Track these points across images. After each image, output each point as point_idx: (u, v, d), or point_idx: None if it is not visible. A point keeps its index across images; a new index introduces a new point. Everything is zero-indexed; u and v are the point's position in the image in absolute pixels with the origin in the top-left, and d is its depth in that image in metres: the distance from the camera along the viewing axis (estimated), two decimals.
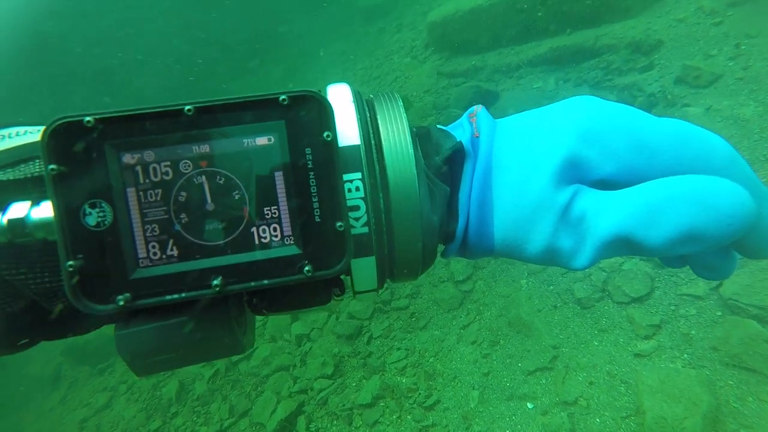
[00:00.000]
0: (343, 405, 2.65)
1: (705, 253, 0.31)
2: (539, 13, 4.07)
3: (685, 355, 1.95)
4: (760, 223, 0.28)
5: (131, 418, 3.43)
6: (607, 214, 0.29)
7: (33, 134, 0.31)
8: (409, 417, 2.43)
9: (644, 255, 0.30)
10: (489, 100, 3.89)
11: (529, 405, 2.15)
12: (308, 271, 0.28)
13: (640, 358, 2.03)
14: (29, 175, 0.29)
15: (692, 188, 0.27)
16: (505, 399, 2.25)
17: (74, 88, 8.67)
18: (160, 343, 0.29)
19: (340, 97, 0.32)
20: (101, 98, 8.27)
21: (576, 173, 0.30)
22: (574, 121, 0.31)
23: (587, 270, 2.37)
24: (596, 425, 1.94)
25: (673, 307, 2.10)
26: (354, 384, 2.82)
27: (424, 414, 2.40)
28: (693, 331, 2.00)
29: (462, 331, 2.69)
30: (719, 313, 1.98)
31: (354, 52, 7.17)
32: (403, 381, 2.65)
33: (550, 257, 0.32)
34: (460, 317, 2.77)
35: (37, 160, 0.30)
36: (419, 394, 2.52)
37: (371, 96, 0.35)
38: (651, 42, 3.36)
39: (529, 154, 0.32)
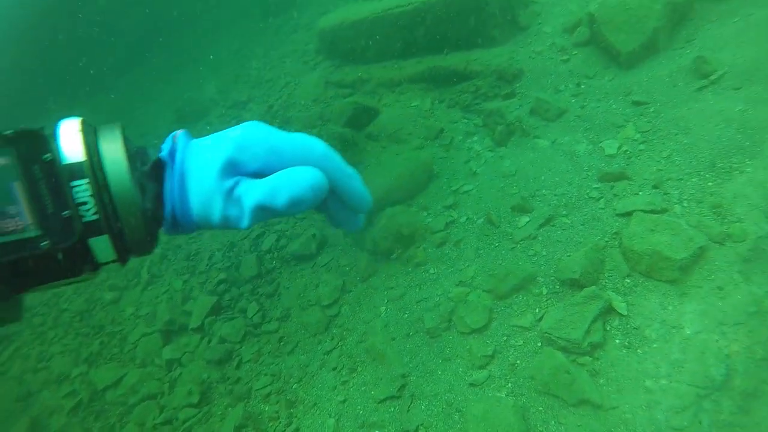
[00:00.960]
0: None
1: (338, 217, 0.53)
2: (420, 31, 4.19)
3: (509, 384, 2.16)
4: (344, 190, 0.50)
5: None
6: (252, 193, 0.46)
7: None
8: None
9: (279, 216, 0.47)
10: (369, 116, 3.97)
11: None
12: (45, 244, 0.40)
13: (473, 388, 2.22)
14: None
15: (292, 173, 0.46)
16: (357, 427, 2.36)
17: None
18: None
19: (70, 128, 0.44)
20: None
21: (236, 169, 0.48)
22: (233, 138, 0.49)
23: (436, 300, 2.53)
24: None
25: (504, 338, 2.31)
26: (219, 413, 2.81)
27: None
28: (518, 361, 2.21)
29: (325, 356, 2.77)
30: (539, 344, 2.21)
31: (249, 49, 6.94)
32: (266, 409, 2.69)
33: (226, 223, 0.48)
34: (325, 342, 2.85)
35: None
36: (280, 422, 2.58)
37: (97, 127, 0.47)
38: (513, 71, 3.60)
39: (206, 159, 0.48)
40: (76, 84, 8.62)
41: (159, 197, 0.48)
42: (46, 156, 0.41)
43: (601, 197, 2.52)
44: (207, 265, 3.81)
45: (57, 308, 4.32)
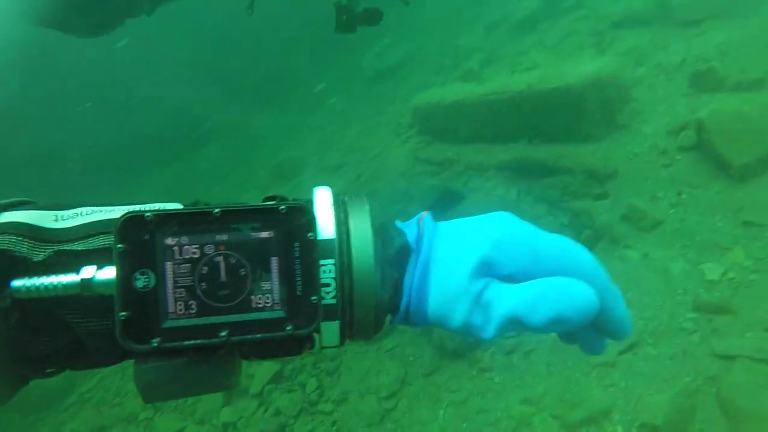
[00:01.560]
0: None
1: (582, 337, 0.44)
2: (513, 119, 4.18)
3: None
4: (607, 313, 0.42)
5: None
6: (505, 301, 0.40)
7: (98, 213, 0.43)
8: None
9: (533, 332, 0.41)
10: (453, 200, 3.96)
11: None
12: (289, 329, 0.39)
13: None
14: (96, 247, 0.40)
15: (560, 286, 0.40)
16: None
17: None
18: (171, 376, 0.39)
19: (323, 200, 0.43)
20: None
21: (488, 270, 0.42)
22: (491, 233, 0.43)
23: (498, 415, 2.36)
24: None
25: None
26: None
27: None
28: None
29: None
30: None
31: (352, 112, 7.36)
32: None
33: (467, 329, 0.43)
34: None
35: (101, 236, 0.41)
36: None
37: (346, 199, 0.45)
38: (607, 171, 3.43)
39: (457, 253, 0.43)
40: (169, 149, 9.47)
41: (397, 286, 0.44)
42: (309, 235, 0.40)
43: (697, 330, 2.25)
44: None
45: None
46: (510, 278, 0.42)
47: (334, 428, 2.94)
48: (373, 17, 3.00)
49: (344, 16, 2.93)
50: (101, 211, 0.43)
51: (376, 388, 2.98)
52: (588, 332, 0.44)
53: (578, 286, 0.40)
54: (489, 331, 0.42)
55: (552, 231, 0.43)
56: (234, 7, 3.93)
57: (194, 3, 8.93)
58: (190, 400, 3.62)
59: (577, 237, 3.13)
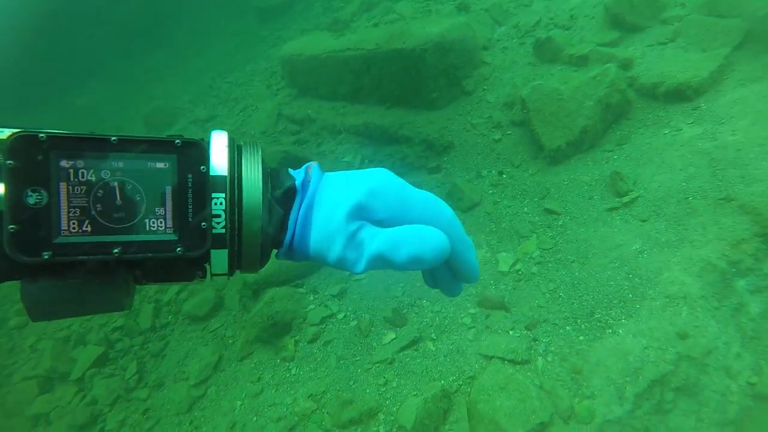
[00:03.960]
0: None
1: (441, 281, 0.51)
2: (365, 79, 3.94)
3: None
4: (460, 259, 0.49)
5: None
6: (375, 240, 0.46)
7: None
8: None
9: (397, 269, 0.46)
10: (297, 165, 3.76)
11: None
12: (179, 250, 0.42)
13: None
14: None
15: (419, 231, 0.46)
16: None
17: None
18: (58, 295, 0.40)
19: (219, 142, 0.45)
20: None
21: (363, 214, 0.47)
22: (367, 182, 0.48)
23: (284, 410, 2.33)
24: None
25: None
26: None
27: None
28: None
29: None
30: None
31: (233, 57, 6.77)
32: None
33: (342, 263, 0.47)
34: (184, 425, 2.68)
35: None
36: None
37: (242, 143, 0.48)
38: (444, 142, 3.32)
39: (337, 197, 0.48)
40: (44, 86, 8.61)
41: (282, 223, 0.48)
42: (202, 168, 0.43)
43: (473, 327, 2.27)
44: None
45: None
46: (381, 223, 0.47)
47: (144, 417, 2.84)
48: None
49: None
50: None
51: (189, 374, 2.88)
52: (446, 277, 0.51)
53: (434, 232, 0.46)
54: (360, 266, 0.47)
55: None
56: None
57: None
58: (6, 387, 3.40)
59: None
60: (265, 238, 0.47)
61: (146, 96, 7.26)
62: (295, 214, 0.48)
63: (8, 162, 0.38)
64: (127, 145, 0.41)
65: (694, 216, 2.17)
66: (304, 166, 0.53)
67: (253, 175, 0.46)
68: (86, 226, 0.40)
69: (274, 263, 3.01)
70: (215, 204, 0.44)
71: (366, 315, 2.57)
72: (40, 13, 8.74)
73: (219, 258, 0.45)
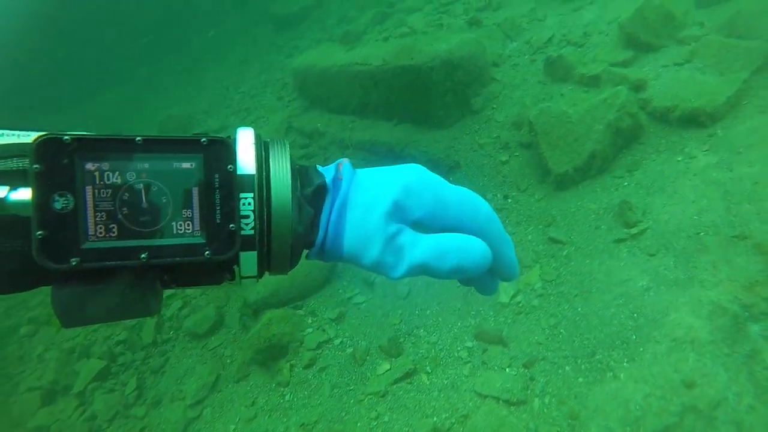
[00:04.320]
0: None
1: (477, 279, 0.49)
2: (373, 94, 3.89)
3: None
4: (499, 257, 0.47)
5: None
6: (417, 249, 0.44)
7: (12, 137, 0.42)
8: None
9: (437, 277, 0.45)
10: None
11: None
12: (207, 254, 0.40)
13: None
14: (10, 169, 0.39)
15: (464, 241, 0.45)
16: None
17: None
18: (88, 301, 0.39)
19: (246, 139, 0.44)
20: None
21: (400, 213, 0.45)
22: (402, 179, 0.46)
23: None
24: None
25: None
26: None
27: None
28: None
29: None
30: None
31: (250, 65, 6.81)
32: None
33: (378, 267, 0.45)
34: None
35: (16, 158, 0.40)
36: None
37: (268, 140, 0.46)
38: (450, 162, 3.25)
39: (372, 195, 0.46)
40: (62, 90, 8.79)
41: (314, 222, 0.46)
42: (229, 167, 0.41)
43: (469, 361, 2.19)
44: None
45: None
46: (418, 222, 0.46)
47: None
48: None
49: None
50: (16, 135, 0.42)
51: (186, 394, 2.87)
52: (482, 275, 0.48)
53: (476, 243, 0.45)
54: (399, 272, 0.45)
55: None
56: None
57: None
58: (12, 398, 3.44)
59: None
60: (296, 238, 0.45)
61: (164, 101, 7.35)
62: (327, 213, 0.46)
63: (35, 166, 0.37)
64: (152, 145, 0.40)
65: (705, 253, 2.05)
66: (334, 163, 0.51)
67: (281, 173, 0.44)
68: (113, 231, 0.39)
69: (273, 282, 2.98)
70: (243, 204, 0.42)
71: (362, 342, 2.52)
72: (67, 20, 8.95)
73: (248, 260, 0.43)
